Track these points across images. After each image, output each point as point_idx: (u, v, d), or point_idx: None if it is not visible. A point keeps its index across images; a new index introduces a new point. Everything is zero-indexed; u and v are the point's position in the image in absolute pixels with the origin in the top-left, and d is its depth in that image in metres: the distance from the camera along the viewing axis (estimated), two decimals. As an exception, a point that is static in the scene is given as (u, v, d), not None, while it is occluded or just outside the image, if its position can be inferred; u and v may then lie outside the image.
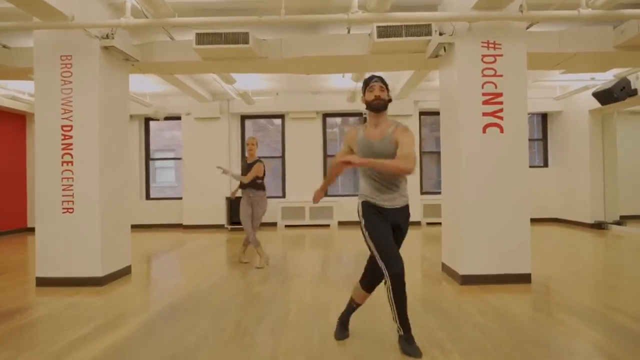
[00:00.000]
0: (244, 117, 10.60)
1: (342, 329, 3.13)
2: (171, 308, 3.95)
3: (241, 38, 5.01)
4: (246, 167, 5.70)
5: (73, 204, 4.71)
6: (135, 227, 9.99)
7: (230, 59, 5.35)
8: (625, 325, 3.28)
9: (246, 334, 3.21)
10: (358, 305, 3.11)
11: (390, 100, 2.87)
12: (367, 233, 2.79)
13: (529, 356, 2.73)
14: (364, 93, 2.92)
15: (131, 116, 10.20)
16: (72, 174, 4.72)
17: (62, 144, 4.72)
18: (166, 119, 9.88)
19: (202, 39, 5.05)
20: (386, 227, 2.77)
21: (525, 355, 2.74)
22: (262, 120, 11.37)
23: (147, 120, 10.65)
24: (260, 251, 5.70)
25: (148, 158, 10.72)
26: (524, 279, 4.51)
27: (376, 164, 2.67)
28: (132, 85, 8.31)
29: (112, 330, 3.33)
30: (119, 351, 2.95)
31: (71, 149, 4.72)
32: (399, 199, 2.82)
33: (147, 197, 10.69)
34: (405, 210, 2.86)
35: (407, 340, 2.78)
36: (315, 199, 3.18)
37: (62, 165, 4.72)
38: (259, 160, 5.69)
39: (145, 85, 8.69)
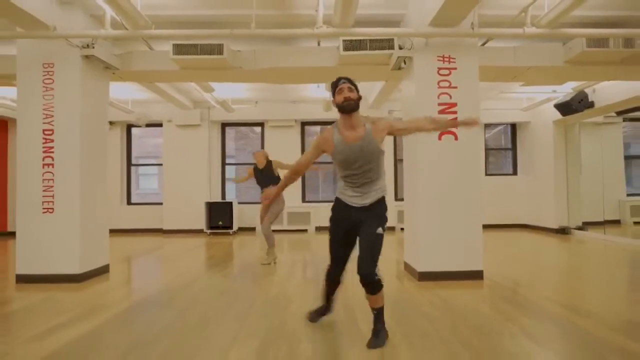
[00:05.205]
0: (224, 125, 10.88)
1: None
2: (142, 302, 4.19)
3: (216, 49, 5.32)
4: (260, 171, 6.36)
5: (53, 204, 4.94)
6: (116, 231, 10.28)
7: (206, 68, 5.65)
8: (556, 312, 3.62)
9: (209, 324, 3.45)
10: None
11: (360, 99, 2.88)
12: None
13: (464, 338, 3.05)
14: (333, 96, 2.90)
15: (113, 123, 10.45)
16: (53, 175, 4.95)
17: (44, 147, 4.96)
18: (148, 125, 10.11)
19: (179, 49, 5.34)
20: None
21: (460, 338, 3.05)
22: (244, 128, 11.66)
23: (129, 126, 10.86)
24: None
25: (129, 164, 10.91)
26: (477, 275, 4.85)
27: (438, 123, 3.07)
28: (114, 92, 8.59)
29: (85, 321, 3.56)
30: (89, 338, 3.19)
31: (52, 152, 4.96)
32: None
33: (129, 202, 10.86)
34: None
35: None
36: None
37: (43, 167, 4.95)
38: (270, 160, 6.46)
39: (127, 92, 8.92)
